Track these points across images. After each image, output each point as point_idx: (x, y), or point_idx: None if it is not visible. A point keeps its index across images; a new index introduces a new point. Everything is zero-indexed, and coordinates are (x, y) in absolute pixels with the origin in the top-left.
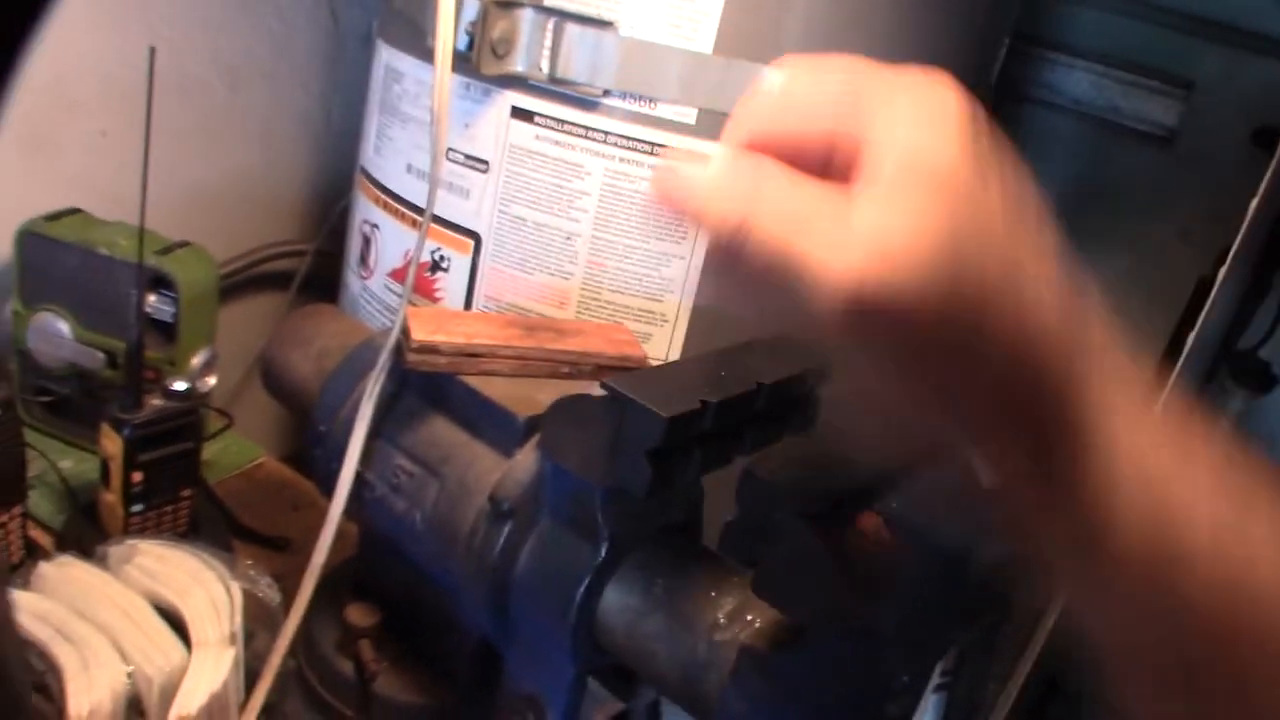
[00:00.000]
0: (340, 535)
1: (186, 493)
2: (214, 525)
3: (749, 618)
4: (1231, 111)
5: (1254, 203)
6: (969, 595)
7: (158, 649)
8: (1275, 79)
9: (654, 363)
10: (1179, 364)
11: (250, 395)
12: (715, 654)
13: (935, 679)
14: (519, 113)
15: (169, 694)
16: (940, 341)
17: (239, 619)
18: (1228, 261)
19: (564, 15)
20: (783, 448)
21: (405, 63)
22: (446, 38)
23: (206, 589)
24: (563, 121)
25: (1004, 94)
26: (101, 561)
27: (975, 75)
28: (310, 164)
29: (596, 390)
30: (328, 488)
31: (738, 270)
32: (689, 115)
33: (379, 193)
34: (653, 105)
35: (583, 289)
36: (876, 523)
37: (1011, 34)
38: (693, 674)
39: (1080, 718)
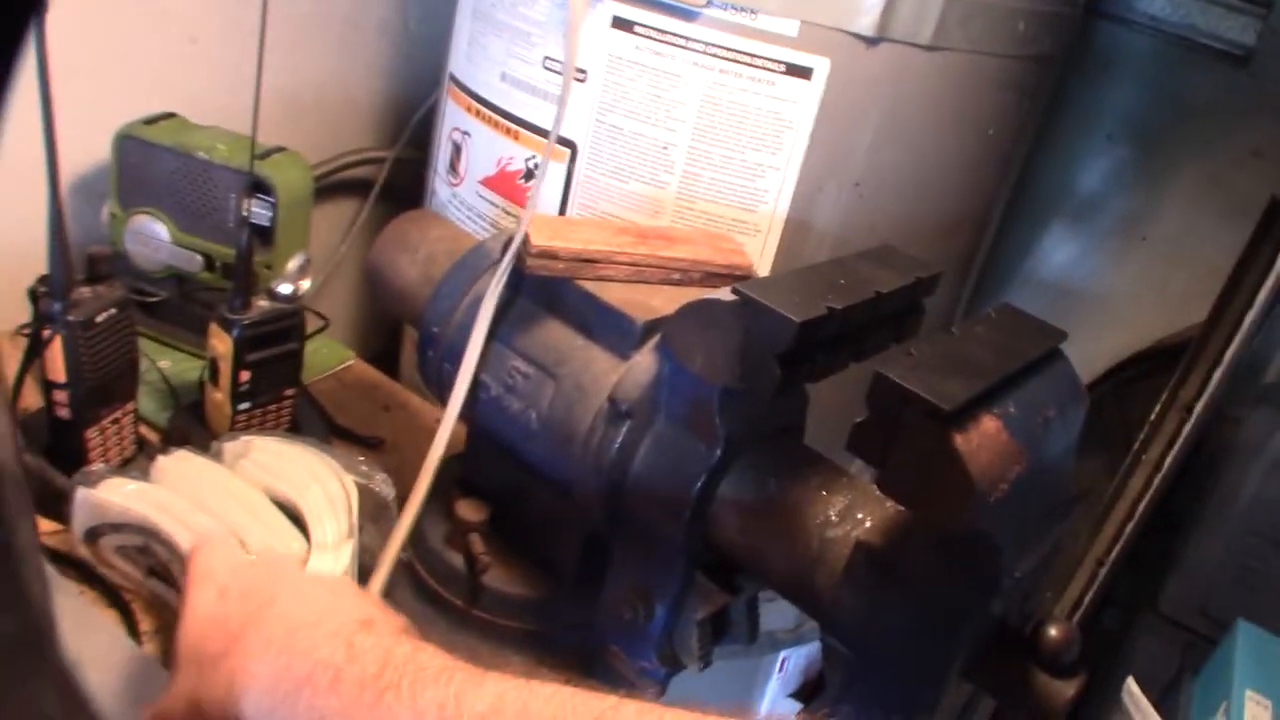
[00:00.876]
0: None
1: (289, 393)
2: (313, 424)
3: (860, 515)
4: None
5: None
6: (1064, 498)
7: (278, 540)
8: None
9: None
10: (1264, 292)
11: (333, 298)
12: (827, 550)
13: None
14: (619, 22)
15: None
16: None
17: (355, 512)
18: None
19: None
20: (907, 350)
21: None
22: None
23: (322, 484)
24: (663, 31)
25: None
26: (217, 456)
27: None
28: (389, 70)
29: (724, 294)
30: (440, 388)
31: None
32: (790, 27)
33: (471, 100)
34: (754, 16)
35: (678, 198)
36: (997, 425)
37: None
38: (804, 569)
39: (1131, 631)
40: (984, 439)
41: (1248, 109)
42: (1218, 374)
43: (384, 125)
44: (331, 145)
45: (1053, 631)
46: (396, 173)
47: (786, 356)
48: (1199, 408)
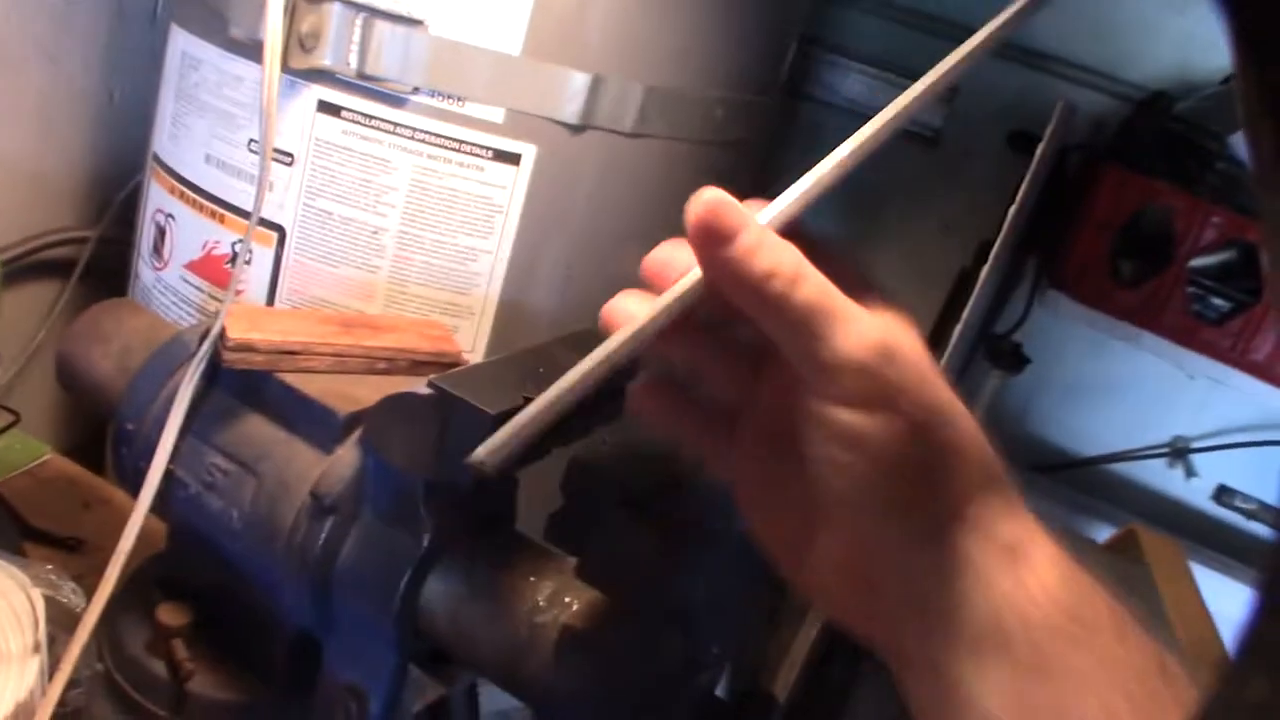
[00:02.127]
0: (140, 533)
1: None
2: (3, 528)
3: (567, 599)
4: (990, 115)
5: (1016, 201)
6: (763, 570)
7: None
8: (1028, 87)
9: (466, 356)
10: (948, 349)
11: (30, 388)
12: (536, 635)
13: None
14: (326, 107)
15: None
16: (906, 423)
17: (42, 627)
18: (990, 257)
19: (373, 11)
20: (602, 438)
21: (205, 50)
22: (275, 37)
23: (6, 598)
24: (370, 117)
25: (787, 93)
26: None
27: (767, 76)
28: (92, 147)
29: (421, 387)
30: (135, 486)
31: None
32: (497, 114)
33: (175, 182)
34: (461, 104)
35: (390, 283)
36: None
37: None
38: (515, 656)
39: (858, 674)
40: (678, 521)
41: (935, 186)
42: None
43: (87, 203)
44: (27, 224)
45: (754, 699)
46: (102, 254)
47: None
48: None
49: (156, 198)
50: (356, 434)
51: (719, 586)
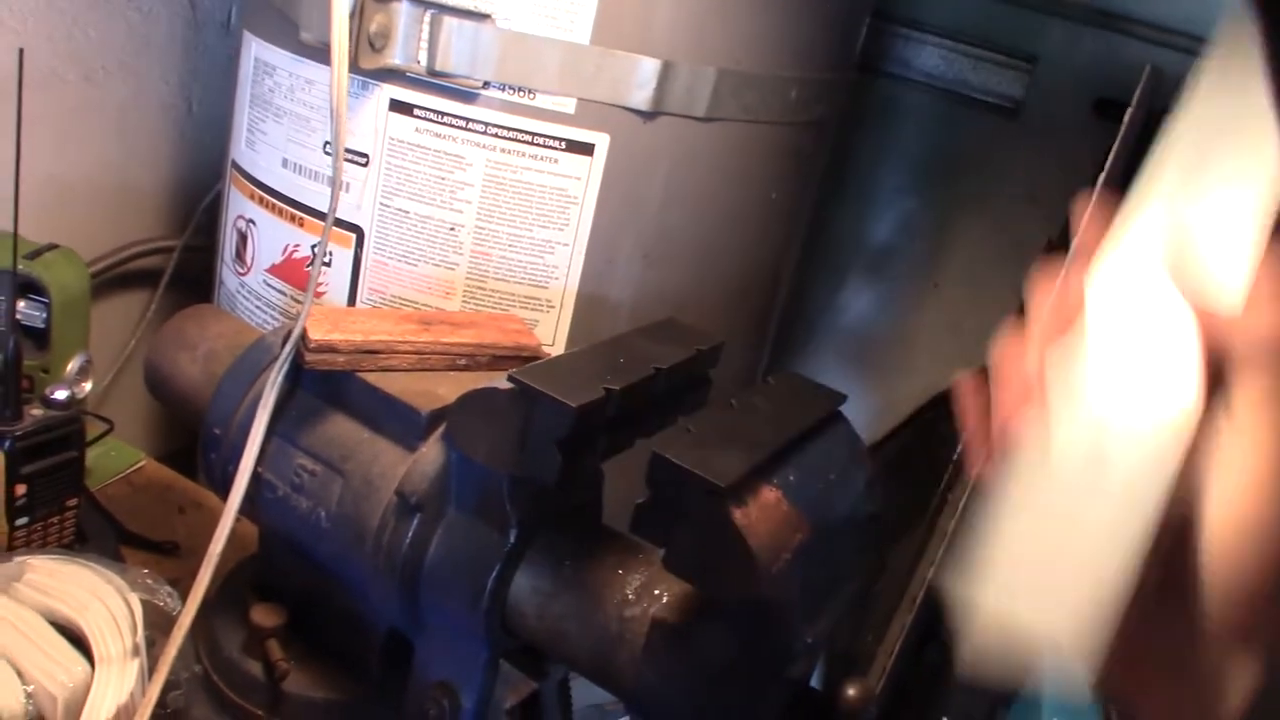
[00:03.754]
0: (232, 536)
1: (72, 502)
2: (101, 534)
3: (656, 592)
4: (1072, 83)
5: (1105, 169)
6: (856, 557)
7: (59, 665)
8: (1112, 51)
9: (545, 349)
10: None
11: (123, 396)
12: (626, 629)
13: None
14: (398, 105)
15: (74, 710)
16: None
17: (141, 630)
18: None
19: (441, 8)
20: (685, 428)
21: (277, 56)
22: (342, 40)
23: (105, 602)
24: (442, 114)
25: (860, 67)
26: None
27: (841, 53)
28: (173, 156)
29: (502, 382)
30: (224, 490)
31: None
32: (568, 105)
33: (254, 188)
34: (532, 96)
35: (468, 279)
36: (777, 496)
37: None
38: (605, 650)
39: (953, 662)
40: (763, 511)
41: (1020, 157)
42: None
43: (171, 213)
44: (114, 236)
45: (850, 691)
46: (187, 262)
47: (568, 441)
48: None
49: (237, 204)
50: (439, 431)
51: (807, 576)
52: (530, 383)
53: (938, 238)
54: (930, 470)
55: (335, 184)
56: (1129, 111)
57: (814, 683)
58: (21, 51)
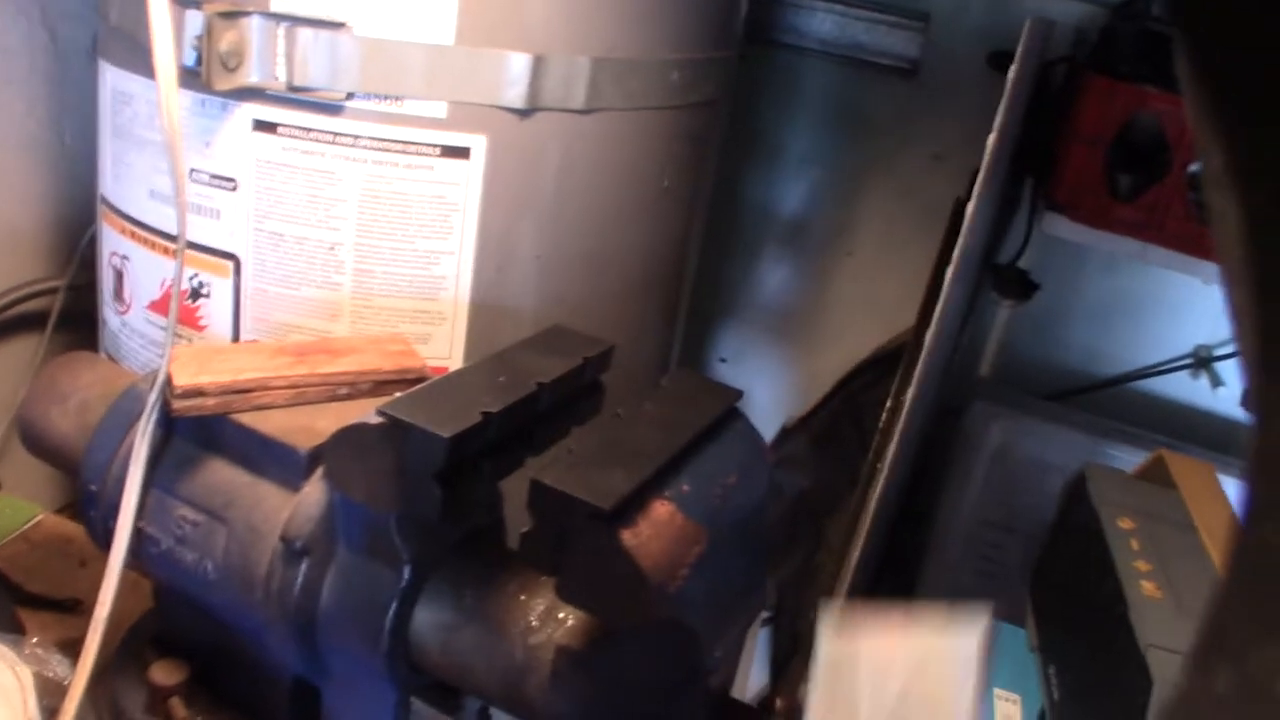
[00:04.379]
0: (135, 586)
1: None
2: None
3: (560, 615)
4: (968, 40)
5: (995, 125)
6: (764, 556)
7: None
8: (1002, 5)
9: (436, 366)
10: (946, 283)
11: (18, 448)
12: (531, 657)
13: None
14: (261, 125)
15: None
16: None
17: (33, 702)
18: (977, 185)
19: (294, 20)
20: (567, 448)
21: (133, 83)
22: (166, 57)
23: None
24: (308, 129)
25: (751, 39)
26: None
27: (723, 30)
28: (48, 194)
29: (372, 417)
30: (108, 546)
31: None
32: (439, 109)
33: (124, 222)
34: (399, 103)
35: (353, 298)
36: (669, 510)
37: None
38: (513, 680)
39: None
40: (655, 528)
41: (923, 117)
42: (918, 369)
43: (53, 252)
44: None
45: (779, 702)
46: (74, 301)
47: (446, 473)
48: (908, 400)
49: (110, 240)
50: (322, 469)
51: (713, 586)
52: (399, 415)
53: (848, 205)
54: (859, 440)
55: (181, 218)
56: (1014, 65)
57: (762, 659)
58: None
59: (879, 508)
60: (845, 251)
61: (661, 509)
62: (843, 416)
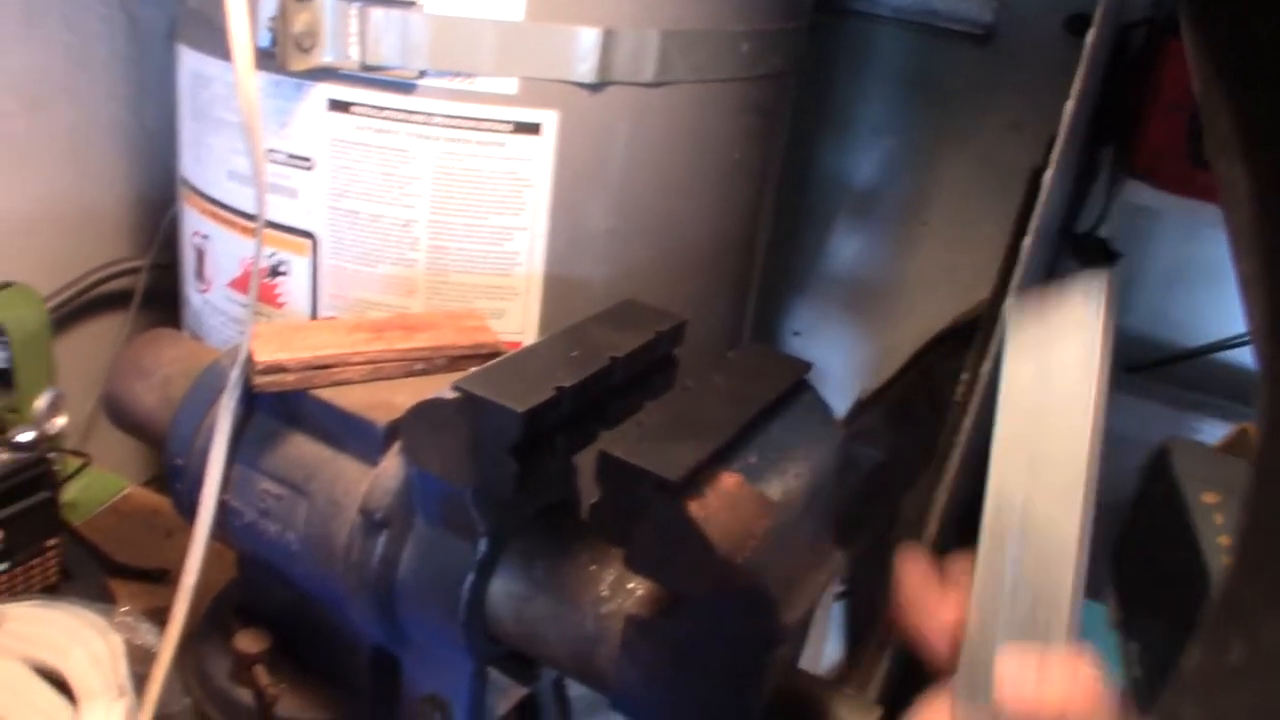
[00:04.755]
0: (219, 556)
1: (52, 543)
2: (87, 569)
3: (630, 586)
4: (1042, 3)
5: (1073, 92)
6: (840, 524)
7: (42, 714)
8: None
9: (510, 340)
10: (1024, 253)
11: (106, 425)
12: (602, 627)
13: (835, 590)
14: (336, 105)
15: None
16: None
17: (124, 669)
18: (1054, 152)
19: (366, 0)
20: (636, 421)
21: (211, 65)
22: (242, 39)
23: (85, 645)
24: (382, 108)
25: (822, 8)
26: None
27: (792, 1)
28: (131, 175)
29: (448, 392)
30: (194, 519)
31: None
32: (510, 86)
33: (205, 202)
34: (471, 80)
35: (428, 274)
36: (737, 481)
37: None
38: (583, 649)
39: None
40: (724, 499)
41: (998, 85)
42: (995, 340)
43: (136, 232)
44: (79, 262)
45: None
46: (157, 280)
47: (521, 448)
48: (985, 372)
49: (191, 220)
50: (399, 443)
51: (782, 556)
52: (475, 390)
53: (923, 175)
54: (935, 413)
55: (260, 193)
56: (1092, 28)
57: (837, 633)
58: None
59: (955, 482)
60: (920, 222)
61: (729, 480)
62: (918, 389)
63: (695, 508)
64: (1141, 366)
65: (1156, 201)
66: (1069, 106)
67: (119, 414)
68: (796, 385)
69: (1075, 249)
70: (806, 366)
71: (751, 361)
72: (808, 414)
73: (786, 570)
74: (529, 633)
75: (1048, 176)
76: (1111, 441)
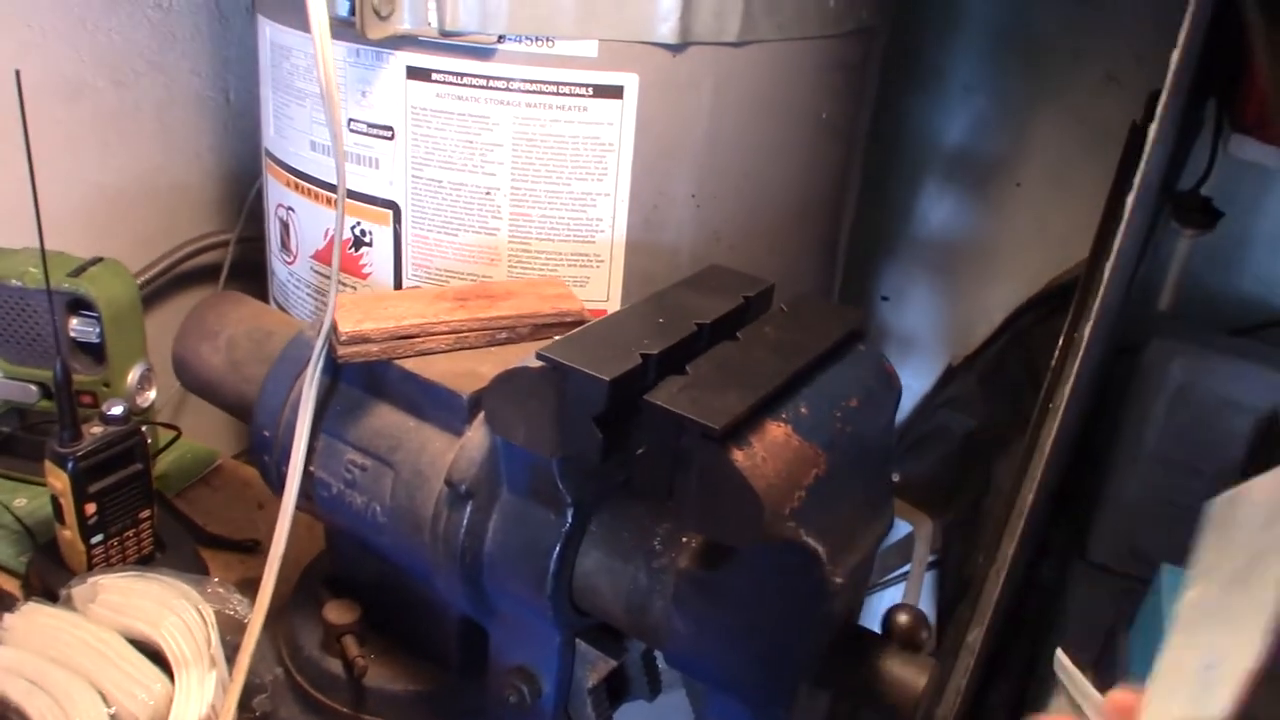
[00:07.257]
0: (310, 528)
1: (145, 514)
2: (180, 540)
3: (684, 539)
4: None
5: (1179, 44)
6: (890, 481)
7: (138, 683)
8: None
9: (594, 308)
10: (1127, 211)
11: (196, 398)
12: (656, 580)
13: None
14: (415, 72)
15: None
16: None
17: (216, 639)
18: (1160, 105)
19: None
20: (684, 370)
21: (291, 36)
22: (320, 9)
23: (179, 614)
24: (461, 75)
25: None
26: (67, 603)
27: None
28: (217, 149)
29: (533, 361)
30: (282, 491)
31: None
32: (590, 49)
33: (288, 174)
34: (551, 44)
35: (510, 242)
36: (785, 431)
37: None
38: (637, 603)
39: (1066, 582)
40: (771, 449)
41: (1093, 36)
42: (1096, 304)
43: (223, 206)
44: (169, 236)
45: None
46: (245, 254)
47: (606, 416)
48: (1084, 337)
49: (275, 192)
50: (484, 413)
51: (832, 509)
52: (559, 358)
53: (1016, 133)
54: (1029, 379)
55: (339, 163)
56: None
57: (929, 603)
58: (18, 73)
59: (1052, 449)
60: (1014, 182)
61: (777, 430)
62: (1011, 355)
63: (741, 457)
64: (1249, 329)
65: (1265, 157)
66: (1175, 56)
67: (185, 373)
68: (850, 335)
69: (1176, 208)
70: (859, 315)
71: (803, 312)
72: (861, 364)
73: (837, 524)
74: (583, 585)
75: (1153, 130)
76: (1218, 406)
